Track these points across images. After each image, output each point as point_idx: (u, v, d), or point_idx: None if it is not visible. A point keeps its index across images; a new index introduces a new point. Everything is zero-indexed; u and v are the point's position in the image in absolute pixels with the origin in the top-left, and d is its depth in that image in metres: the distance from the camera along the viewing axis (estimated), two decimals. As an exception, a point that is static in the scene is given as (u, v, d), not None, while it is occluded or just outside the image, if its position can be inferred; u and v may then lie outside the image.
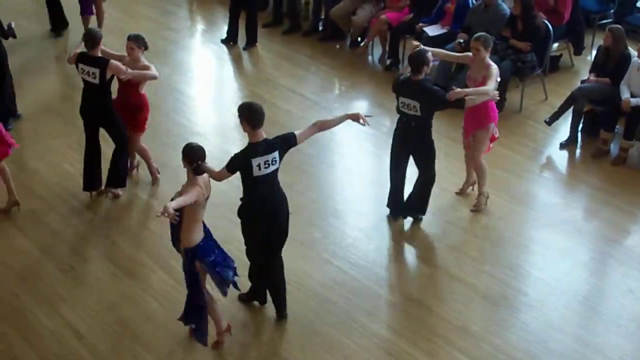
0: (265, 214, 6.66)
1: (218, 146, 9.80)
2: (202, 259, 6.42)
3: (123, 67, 8.25)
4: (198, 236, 6.40)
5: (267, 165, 6.48)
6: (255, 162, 6.45)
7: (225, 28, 12.31)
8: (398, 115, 7.92)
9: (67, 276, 7.76)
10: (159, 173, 9.12)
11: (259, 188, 6.55)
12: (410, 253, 8.13)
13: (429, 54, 7.69)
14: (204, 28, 13.15)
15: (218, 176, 6.59)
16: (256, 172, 6.46)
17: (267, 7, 13.18)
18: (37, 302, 7.41)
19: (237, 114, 6.54)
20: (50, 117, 10.36)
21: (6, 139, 8.32)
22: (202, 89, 11.28)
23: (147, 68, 8.45)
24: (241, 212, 6.76)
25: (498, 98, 8.09)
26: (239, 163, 6.52)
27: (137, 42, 8.43)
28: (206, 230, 6.56)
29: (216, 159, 9.41)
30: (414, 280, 7.70)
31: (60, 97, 10.96)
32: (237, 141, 9.97)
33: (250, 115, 6.46)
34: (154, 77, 8.51)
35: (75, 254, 8.08)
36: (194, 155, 6.38)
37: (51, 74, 11.67)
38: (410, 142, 7.94)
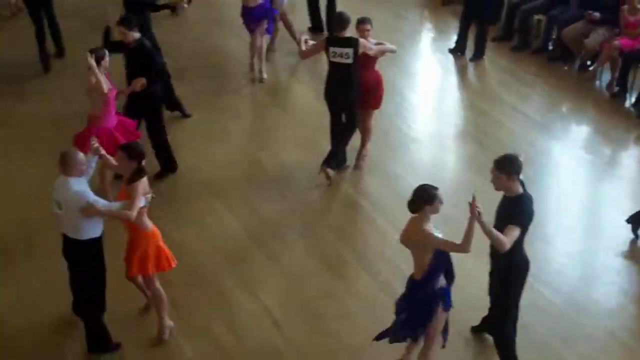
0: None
1: (433, 154, 9.95)
2: (447, 306, 6.26)
3: (368, 44, 8.77)
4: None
5: None
6: None
7: (455, 38, 12.43)
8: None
9: (271, 263, 8.07)
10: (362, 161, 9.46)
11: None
12: (621, 288, 7.81)
13: None
14: (433, 36, 13.27)
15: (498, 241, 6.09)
16: None
17: (499, 21, 13.16)
18: (240, 285, 7.75)
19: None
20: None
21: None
22: (425, 96, 11.40)
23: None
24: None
25: None
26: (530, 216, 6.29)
27: (370, 23, 9.04)
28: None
29: (431, 166, 9.73)
30: (620, 317, 7.43)
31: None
32: (453, 152, 10.12)
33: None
34: (393, 51, 9.26)
35: (282, 242, 8.40)
36: (430, 197, 6.09)
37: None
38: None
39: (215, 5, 12.81)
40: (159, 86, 9.10)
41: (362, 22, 9.08)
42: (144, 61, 8.81)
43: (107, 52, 8.38)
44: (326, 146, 9.44)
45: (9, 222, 8.63)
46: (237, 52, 12.41)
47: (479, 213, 5.88)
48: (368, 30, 9.03)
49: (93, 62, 8.18)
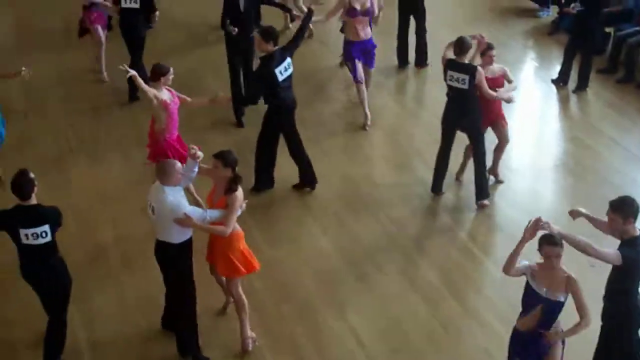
0: None
1: (531, 185, 9.89)
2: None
3: (485, 84, 8.79)
4: None
5: None
6: None
7: (558, 68, 12.30)
8: None
9: (360, 284, 8.16)
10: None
11: None
12: None
13: None
14: (537, 65, 13.18)
15: None
16: None
17: (604, 53, 12.96)
18: (328, 304, 7.87)
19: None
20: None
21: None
22: (523, 125, 11.32)
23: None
24: None
25: None
26: None
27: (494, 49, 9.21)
28: None
29: (529, 197, 9.65)
30: None
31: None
32: (550, 182, 10.02)
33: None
34: (509, 100, 9.19)
35: (373, 264, 8.47)
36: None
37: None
38: None
39: (316, 25, 13.03)
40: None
41: (488, 48, 9.18)
42: None
43: (171, 69, 8.63)
44: (421, 169, 9.49)
45: (116, 235, 8.98)
46: (337, 70, 12.63)
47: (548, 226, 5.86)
48: (493, 57, 9.18)
49: (135, 74, 8.52)
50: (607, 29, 12.99)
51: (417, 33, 12.67)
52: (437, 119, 9.39)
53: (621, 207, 6.14)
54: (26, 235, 6.58)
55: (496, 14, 14.63)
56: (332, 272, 8.36)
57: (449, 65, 8.89)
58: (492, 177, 9.70)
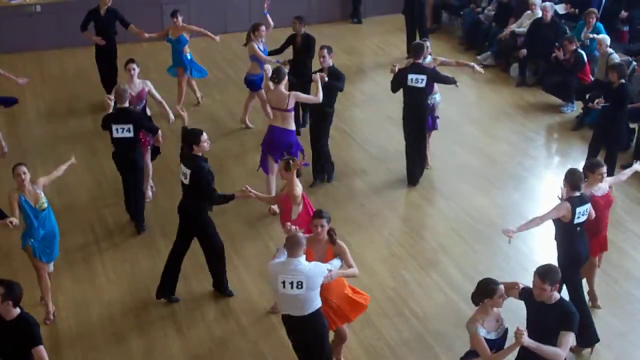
0: None
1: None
2: None
3: None
4: None
5: None
6: None
7: (582, 163, 12.32)
8: None
9: None
10: None
11: None
12: None
13: None
14: (560, 159, 13.25)
15: None
16: None
17: (629, 149, 12.99)
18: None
19: None
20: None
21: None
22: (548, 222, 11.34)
23: None
24: None
25: None
26: None
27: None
28: None
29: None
30: None
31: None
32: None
33: None
34: None
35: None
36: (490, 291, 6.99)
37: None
38: None
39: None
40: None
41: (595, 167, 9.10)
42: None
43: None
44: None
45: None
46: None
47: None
48: (602, 175, 8.98)
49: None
50: (632, 125, 13.06)
51: None
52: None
53: (549, 274, 6.78)
54: None
55: (521, 109, 14.79)
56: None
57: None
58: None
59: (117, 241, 10.75)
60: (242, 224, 11.05)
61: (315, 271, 7.11)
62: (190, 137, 9.08)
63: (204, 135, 9.07)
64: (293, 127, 11.05)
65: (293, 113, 11.04)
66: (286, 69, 11.43)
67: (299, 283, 6.97)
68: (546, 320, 6.81)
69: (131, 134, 10.35)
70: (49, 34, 17.54)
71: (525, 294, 7.07)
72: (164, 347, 8.78)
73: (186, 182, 9.05)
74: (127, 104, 10.46)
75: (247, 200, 10.48)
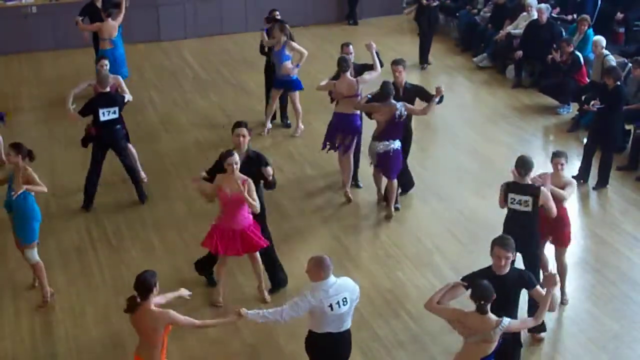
0: None
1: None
2: None
3: (550, 202, 8.50)
4: None
5: None
6: None
7: (578, 165, 12.36)
8: None
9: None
10: None
11: None
12: None
13: None
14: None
15: None
16: None
17: (625, 150, 13.01)
18: None
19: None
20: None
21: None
22: (543, 223, 11.37)
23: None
24: None
25: None
26: None
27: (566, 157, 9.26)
28: None
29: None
30: None
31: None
32: (570, 279, 9.94)
33: None
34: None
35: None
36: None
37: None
38: None
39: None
40: None
41: (556, 155, 9.18)
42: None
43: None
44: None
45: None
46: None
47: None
48: (562, 164, 9.10)
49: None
50: (627, 126, 13.08)
51: None
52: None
53: (509, 241, 7.10)
54: None
55: (517, 110, 14.80)
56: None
57: (511, 188, 8.60)
58: None
59: (113, 242, 10.72)
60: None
61: (356, 287, 7.39)
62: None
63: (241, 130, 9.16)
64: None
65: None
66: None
67: (344, 299, 7.10)
68: (504, 292, 6.94)
69: (116, 115, 11.15)
70: (44, 35, 17.54)
71: (470, 282, 7.01)
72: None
73: None
74: (108, 89, 11.24)
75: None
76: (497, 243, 7.08)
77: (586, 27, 14.78)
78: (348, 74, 11.23)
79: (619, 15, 16.11)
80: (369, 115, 11.20)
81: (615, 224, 11.07)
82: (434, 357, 8.61)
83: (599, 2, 16.49)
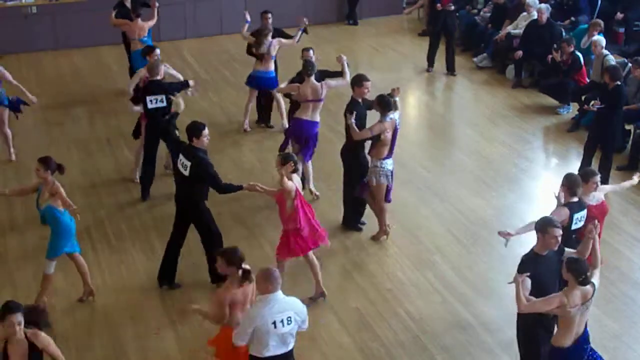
0: None
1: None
2: None
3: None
4: None
5: None
6: None
7: (578, 164, 12.35)
8: None
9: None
10: None
11: None
12: None
13: None
14: (557, 161, 13.26)
15: None
16: None
17: (624, 150, 13.01)
18: None
19: None
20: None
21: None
22: (544, 221, 11.37)
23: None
24: None
25: None
26: None
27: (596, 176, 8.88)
28: None
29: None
30: None
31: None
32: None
33: None
34: None
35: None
36: None
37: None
38: None
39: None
40: None
41: (589, 176, 8.89)
42: None
43: None
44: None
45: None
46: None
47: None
48: (596, 184, 8.83)
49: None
50: (627, 126, 13.09)
51: None
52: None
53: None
54: None
55: (517, 110, 14.80)
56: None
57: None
58: None
59: (113, 243, 10.72)
60: (233, 222, 11.02)
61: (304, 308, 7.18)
62: (192, 130, 9.20)
63: (206, 130, 9.18)
64: (319, 118, 11.39)
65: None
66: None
67: (289, 318, 6.91)
68: (556, 268, 7.46)
69: (164, 104, 11.05)
70: (44, 35, 17.54)
71: (533, 270, 7.35)
72: (159, 347, 8.76)
73: (186, 173, 9.11)
74: (159, 77, 11.25)
75: (239, 199, 10.57)
76: (549, 224, 7.55)
77: (597, 32, 14.54)
78: (313, 78, 11.20)
79: (619, 15, 16.10)
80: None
81: (615, 224, 11.06)
82: (434, 357, 8.61)
83: (599, 2, 16.48)
